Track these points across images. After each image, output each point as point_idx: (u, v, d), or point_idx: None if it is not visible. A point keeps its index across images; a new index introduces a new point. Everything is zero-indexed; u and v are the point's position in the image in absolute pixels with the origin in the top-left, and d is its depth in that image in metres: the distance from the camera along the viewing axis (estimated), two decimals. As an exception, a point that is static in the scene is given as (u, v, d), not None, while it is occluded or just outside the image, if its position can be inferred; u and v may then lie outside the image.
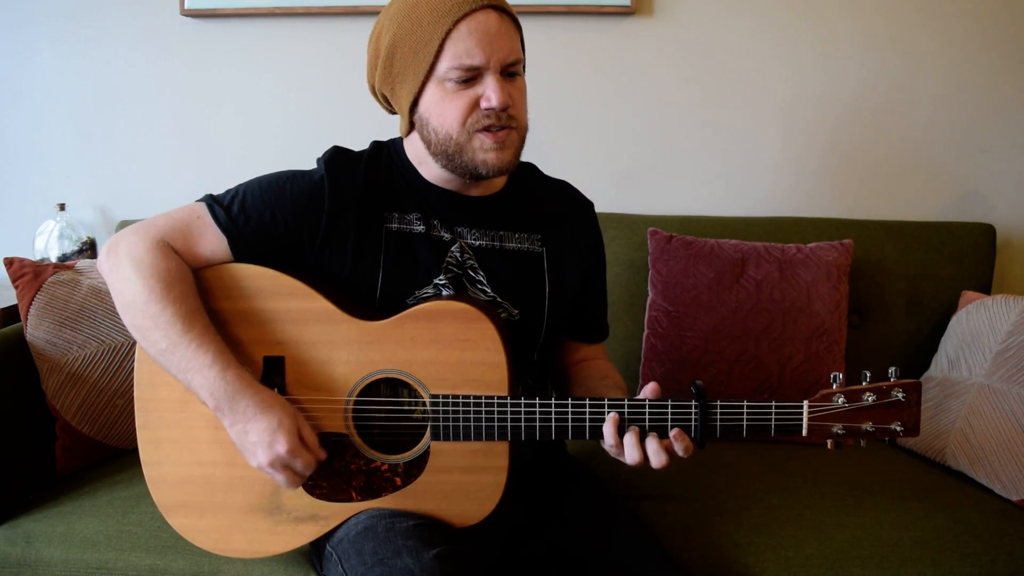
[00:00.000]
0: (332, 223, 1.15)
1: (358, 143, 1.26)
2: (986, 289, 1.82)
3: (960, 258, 1.82)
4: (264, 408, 1.05)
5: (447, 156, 1.13)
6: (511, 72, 1.11)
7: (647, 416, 1.06)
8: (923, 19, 1.95)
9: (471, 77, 1.08)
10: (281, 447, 1.04)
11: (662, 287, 1.72)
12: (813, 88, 2.00)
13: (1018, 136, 1.99)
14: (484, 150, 1.11)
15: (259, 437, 1.05)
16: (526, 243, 1.24)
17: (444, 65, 1.07)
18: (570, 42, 2.00)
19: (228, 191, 1.17)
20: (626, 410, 1.07)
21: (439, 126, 1.11)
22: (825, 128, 2.02)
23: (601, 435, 1.08)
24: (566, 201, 1.31)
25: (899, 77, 1.98)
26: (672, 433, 1.05)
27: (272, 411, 1.06)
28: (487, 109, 1.08)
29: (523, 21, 1.17)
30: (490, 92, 1.08)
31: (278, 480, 1.07)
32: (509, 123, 1.11)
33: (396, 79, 1.13)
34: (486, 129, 1.10)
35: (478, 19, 1.07)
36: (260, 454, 1.05)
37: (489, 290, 1.19)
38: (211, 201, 1.15)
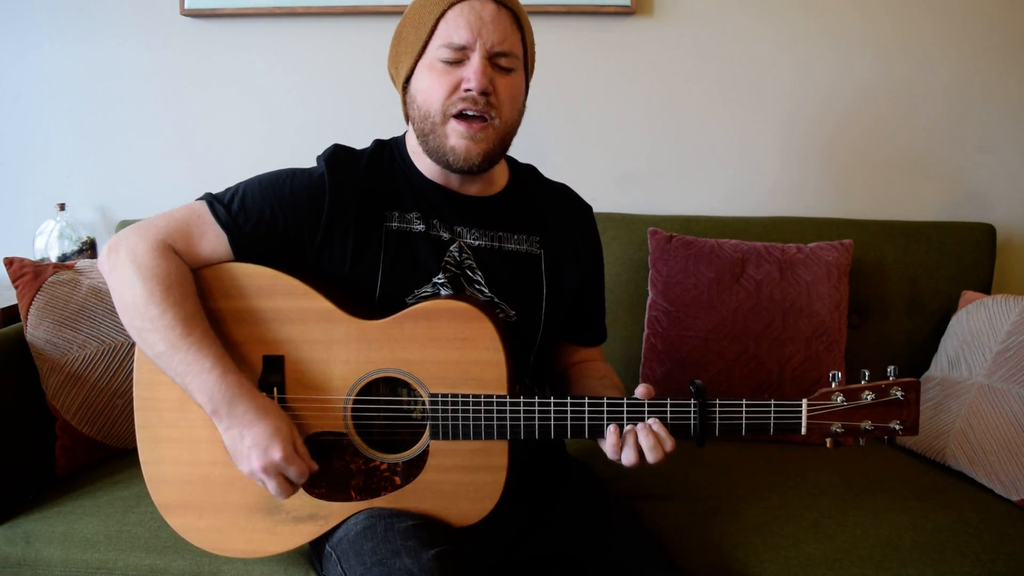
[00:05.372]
0: (332, 221, 1.15)
1: (358, 142, 1.26)
2: (986, 289, 1.82)
3: (960, 258, 1.82)
4: (262, 414, 1.05)
5: (424, 136, 1.15)
6: (503, 66, 1.12)
7: (646, 415, 1.07)
8: (924, 19, 1.95)
9: (458, 59, 1.11)
10: (276, 453, 1.04)
11: (662, 287, 1.72)
12: (813, 88, 2.00)
13: (1018, 136, 1.99)
14: (456, 136, 1.12)
15: (255, 441, 1.04)
16: (524, 244, 1.23)
17: (435, 43, 1.12)
18: (570, 42, 2.00)
19: (228, 189, 1.17)
20: (625, 410, 1.07)
21: (422, 102, 1.13)
22: (825, 128, 2.01)
23: (599, 434, 1.08)
24: (565, 204, 1.32)
25: (899, 77, 1.98)
26: (649, 421, 1.06)
27: (269, 417, 1.06)
28: (466, 90, 1.10)
29: (522, 21, 1.17)
30: (470, 73, 1.10)
31: (269, 487, 1.07)
32: (487, 112, 1.11)
33: (400, 58, 1.17)
34: (462, 115, 1.11)
35: (473, 5, 1.10)
36: (254, 458, 1.05)
37: (487, 290, 1.19)
38: (211, 199, 1.15)
